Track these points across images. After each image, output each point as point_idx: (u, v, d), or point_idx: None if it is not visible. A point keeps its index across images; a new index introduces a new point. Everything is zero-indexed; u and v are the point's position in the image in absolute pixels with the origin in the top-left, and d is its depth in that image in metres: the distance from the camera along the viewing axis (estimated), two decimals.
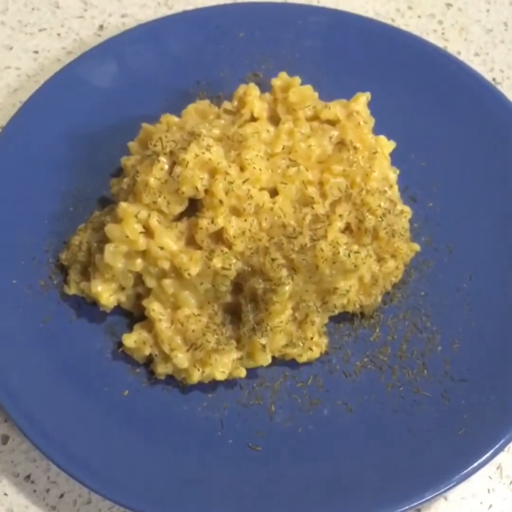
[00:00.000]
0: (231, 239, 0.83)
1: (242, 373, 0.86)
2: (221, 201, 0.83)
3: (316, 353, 0.88)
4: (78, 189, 0.99)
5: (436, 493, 0.78)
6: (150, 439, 0.83)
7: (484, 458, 0.80)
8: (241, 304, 0.86)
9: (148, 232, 0.84)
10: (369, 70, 1.07)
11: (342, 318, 0.92)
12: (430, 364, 0.89)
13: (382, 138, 0.95)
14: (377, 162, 0.90)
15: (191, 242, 0.85)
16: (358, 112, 0.91)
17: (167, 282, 0.85)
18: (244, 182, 0.85)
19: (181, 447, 0.83)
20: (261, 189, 0.86)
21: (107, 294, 0.88)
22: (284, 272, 0.83)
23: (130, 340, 0.87)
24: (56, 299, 0.91)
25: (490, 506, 0.86)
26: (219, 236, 0.84)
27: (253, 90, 0.95)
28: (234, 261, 0.84)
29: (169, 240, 0.84)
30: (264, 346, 0.85)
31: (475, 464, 0.80)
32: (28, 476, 0.86)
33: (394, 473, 0.81)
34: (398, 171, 0.95)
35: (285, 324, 0.86)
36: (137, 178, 0.85)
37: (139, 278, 0.88)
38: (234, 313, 0.88)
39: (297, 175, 0.87)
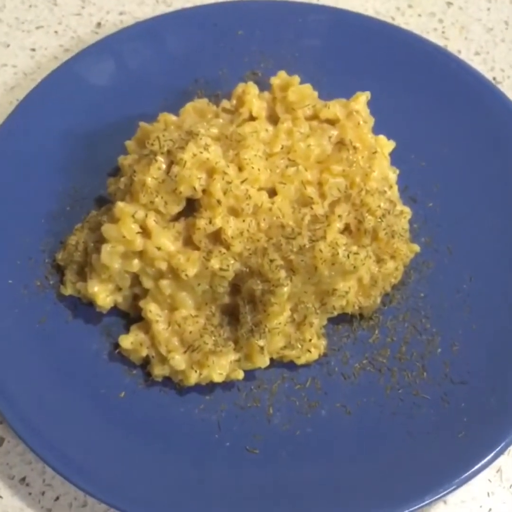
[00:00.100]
0: (229, 240, 0.83)
1: (240, 375, 0.85)
2: (219, 201, 0.83)
3: (314, 355, 0.88)
4: (75, 188, 0.98)
5: (436, 497, 0.78)
6: (146, 441, 0.83)
7: (484, 461, 0.79)
8: (239, 306, 0.86)
9: (145, 232, 0.84)
10: (368, 69, 1.06)
11: (341, 320, 0.91)
12: (429, 366, 0.88)
13: (382, 137, 0.95)
14: (377, 162, 0.90)
15: (189, 242, 0.85)
16: (357, 111, 0.90)
17: (164, 283, 0.85)
18: (242, 182, 0.84)
19: (177, 449, 0.83)
20: (260, 189, 0.86)
21: (103, 295, 0.87)
22: (283, 273, 0.83)
23: (127, 341, 0.86)
24: (52, 300, 0.91)
25: (490, 509, 0.85)
26: (217, 237, 0.84)
27: (252, 88, 0.94)
28: (232, 262, 0.83)
29: (167, 241, 0.84)
30: (262, 348, 0.85)
31: (475, 468, 0.79)
32: (23, 479, 0.85)
33: (393, 477, 0.80)
34: (397, 171, 0.95)
35: (283, 326, 0.85)
36: (134, 177, 0.84)
37: (136, 279, 0.87)
38: (232, 315, 0.87)
39: (296, 175, 0.87)
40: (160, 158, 0.84)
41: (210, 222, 0.83)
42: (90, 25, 1.21)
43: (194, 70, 1.07)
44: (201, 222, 0.83)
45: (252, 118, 0.92)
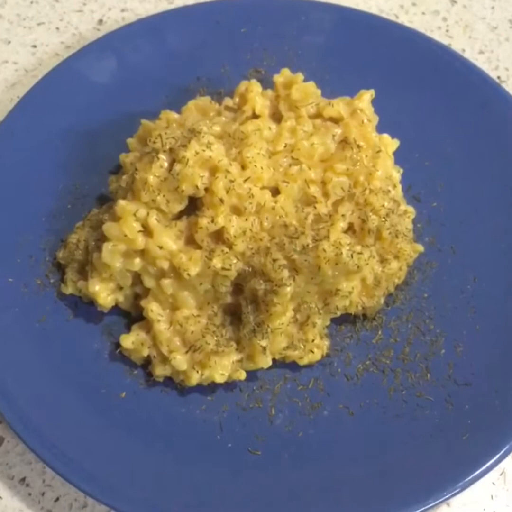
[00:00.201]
0: (232, 239, 0.82)
1: (242, 375, 0.85)
2: (221, 200, 0.82)
3: (317, 355, 0.87)
4: (76, 186, 0.98)
5: (439, 500, 0.77)
6: (147, 442, 0.82)
7: (488, 464, 0.79)
8: (242, 305, 0.85)
9: (147, 231, 0.83)
10: (372, 68, 1.06)
11: (344, 320, 0.91)
12: (433, 367, 0.87)
13: (386, 136, 0.94)
14: (381, 161, 0.89)
15: (191, 241, 0.84)
16: (362, 109, 0.90)
17: (166, 282, 0.84)
18: (245, 180, 0.83)
19: (179, 450, 0.82)
20: (263, 188, 0.85)
21: (104, 294, 0.87)
22: (286, 273, 0.82)
23: (128, 341, 0.85)
24: (53, 298, 0.90)
25: None
26: (219, 236, 0.83)
27: (255, 86, 0.93)
28: (234, 261, 0.82)
29: (168, 239, 0.83)
30: (264, 348, 0.84)
31: (479, 471, 0.79)
32: (23, 479, 0.85)
33: (396, 479, 0.80)
34: (401, 170, 0.94)
35: (286, 326, 0.85)
36: (136, 175, 0.84)
37: (137, 278, 0.86)
38: (234, 314, 0.87)
39: (299, 174, 0.86)
40: (162, 156, 0.83)
41: (212, 221, 0.82)
42: (92, 22, 1.20)
43: (196, 67, 1.07)
44: (204, 221, 0.82)
45: (255, 116, 0.92)
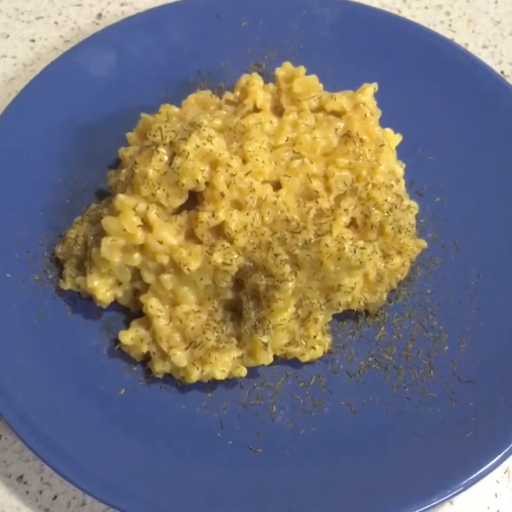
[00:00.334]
0: (233, 234, 0.81)
1: (243, 372, 0.84)
2: (222, 194, 0.81)
3: (319, 352, 0.86)
4: (75, 180, 0.97)
5: (443, 498, 0.76)
6: (146, 439, 0.82)
7: (492, 462, 0.78)
8: (242, 301, 0.84)
9: (146, 225, 0.82)
10: (374, 62, 1.05)
11: (346, 316, 0.90)
12: (436, 364, 0.87)
13: (389, 131, 0.93)
14: (384, 155, 0.88)
15: (191, 236, 0.83)
16: (364, 103, 0.89)
17: (165, 277, 0.83)
18: (246, 174, 0.83)
19: (178, 448, 0.82)
20: (264, 182, 0.84)
21: (103, 289, 0.86)
22: (287, 268, 0.81)
23: (127, 337, 0.85)
24: (51, 294, 0.89)
25: (498, 511, 0.83)
26: (220, 230, 0.82)
27: (256, 80, 0.93)
28: (235, 256, 0.81)
29: (168, 234, 0.82)
30: (265, 345, 0.83)
31: (483, 469, 0.78)
32: (21, 477, 0.84)
33: (399, 478, 0.79)
34: (404, 165, 0.93)
35: (287, 322, 0.84)
36: (135, 169, 0.83)
37: (137, 273, 0.86)
38: (235, 310, 0.86)
39: (301, 168, 0.85)
40: (162, 150, 0.82)
41: (213, 216, 0.82)
42: (91, 16, 1.19)
43: (196, 61, 1.06)
44: (204, 215, 0.82)
45: (256, 110, 0.91)
